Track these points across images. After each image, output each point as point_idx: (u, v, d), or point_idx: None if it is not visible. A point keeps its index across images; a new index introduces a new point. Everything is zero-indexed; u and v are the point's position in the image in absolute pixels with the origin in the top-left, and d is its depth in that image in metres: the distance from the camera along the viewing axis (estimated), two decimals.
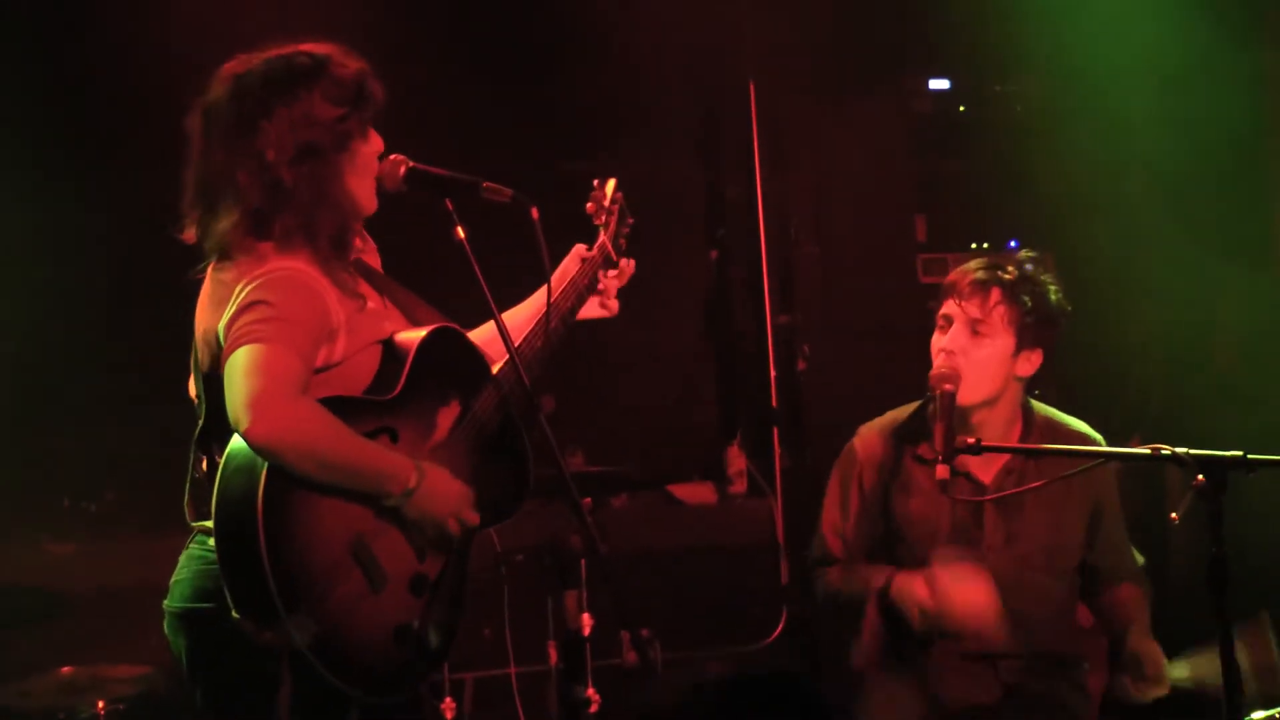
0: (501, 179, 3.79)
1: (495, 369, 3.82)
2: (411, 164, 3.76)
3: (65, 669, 5.20)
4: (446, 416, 3.71)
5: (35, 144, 6.06)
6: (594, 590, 4.63)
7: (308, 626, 3.30)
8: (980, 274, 4.52)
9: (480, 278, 3.65)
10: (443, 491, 3.57)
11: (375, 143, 3.73)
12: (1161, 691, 4.43)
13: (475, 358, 3.82)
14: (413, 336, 3.68)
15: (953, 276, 4.59)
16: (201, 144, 3.63)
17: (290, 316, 3.45)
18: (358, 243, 3.79)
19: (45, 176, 5.97)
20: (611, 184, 4.27)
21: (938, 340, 4.55)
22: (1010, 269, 4.54)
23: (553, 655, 5.06)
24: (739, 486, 6.85)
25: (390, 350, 3.66)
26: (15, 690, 5.10)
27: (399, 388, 3.59)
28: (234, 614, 3.37)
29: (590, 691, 4.58)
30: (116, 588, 5.63)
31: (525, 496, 3.83)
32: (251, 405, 3.33)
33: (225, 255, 3.61)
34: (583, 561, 4.59)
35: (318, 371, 3.53)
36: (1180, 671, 4.43)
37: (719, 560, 6.56)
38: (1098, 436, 4.65)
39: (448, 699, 5.04)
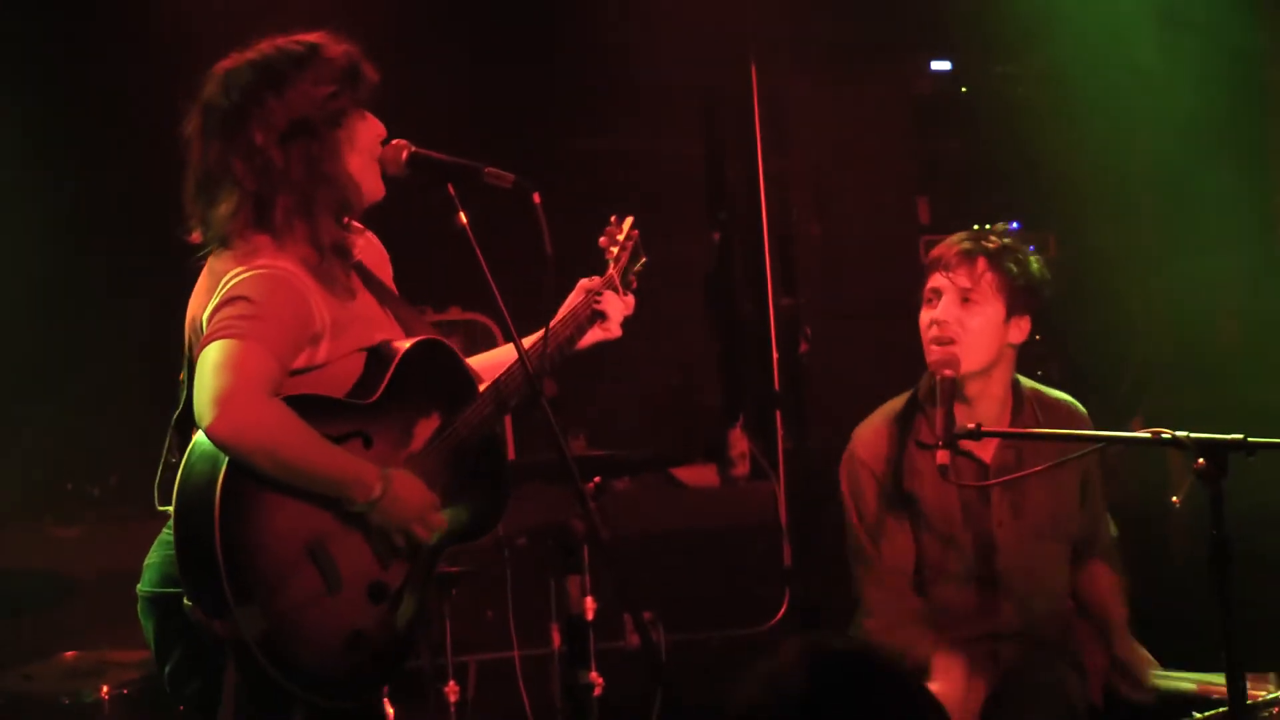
0: (503, 159, 3.78)
1: (482, 388, 3.77)
2: (413, 149, 3.74)
3: (69, 654, 5.21)
4: (425, 428, 3.67)
5: (33, 129, 6.06)
6: (597, 574, 4.63)
7: (256, 620, 3.29)
8: (965, 245, 4.59)
9: (483, 263, 3.64)
10: (407, 498, 3.52)
11: (375, 126, 3.70)
12: (1147, 697, 4.45)
13: (462, 374, 3.77)
14: (400, 345, 3.65)
15: (937, 251, 4.66)
16: (199, 141, 3.62)
17: (270, 315, 3.41)
18: (360, 243, 3.77)
19: (42, 159, 5.96)
20: (629, 222, 4.24)
21: (927, 314, 4.58)
22: (993, 239, 4.61)
23: (556, 638, 5.07)
24: (742, 469, 6.84)
25: (376, 356, 3.63)
26: (19, 675, 5.10)
27: (378, 393, 3.56)
28: (185, 602, 3.37)
29: (594, 675, 4.58)
30: (120, 572, 5.59)
31: (497, 521, 3.79)
32: (217, 402, 3.30)
33: (225, 244, 3.60)
34: (585, 546, 4.58)
35: (301, 372, 3.50)
36: (1178, 684, 4.41)
37: (722, 542, 6.55)
38: (1081, 407, 4.74)
39: (451, 682, 5.05)
